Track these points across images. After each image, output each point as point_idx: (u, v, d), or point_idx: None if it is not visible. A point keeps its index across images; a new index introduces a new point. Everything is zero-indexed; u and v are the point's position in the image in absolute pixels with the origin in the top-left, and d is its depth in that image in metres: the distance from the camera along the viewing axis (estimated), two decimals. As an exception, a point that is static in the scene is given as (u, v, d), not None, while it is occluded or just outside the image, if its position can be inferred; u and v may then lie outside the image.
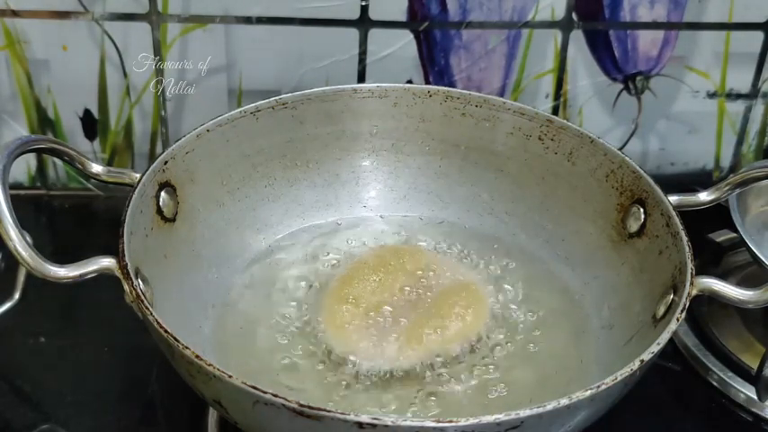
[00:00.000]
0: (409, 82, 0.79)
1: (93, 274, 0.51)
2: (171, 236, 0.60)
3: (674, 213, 0.58)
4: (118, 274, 0.51)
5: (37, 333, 0.67)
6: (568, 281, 0.65)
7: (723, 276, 0.59)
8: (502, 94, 0.80)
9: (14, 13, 0.74)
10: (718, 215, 0.66)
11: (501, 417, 0.43)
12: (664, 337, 0.49)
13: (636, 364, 0.47)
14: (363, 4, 0.75)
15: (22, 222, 0.50)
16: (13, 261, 0.50)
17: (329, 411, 0.43)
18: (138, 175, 0.58)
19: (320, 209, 0.70)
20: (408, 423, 0.43)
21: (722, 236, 0.73)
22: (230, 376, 0.45)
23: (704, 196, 0.60)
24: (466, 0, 0.75)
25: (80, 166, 0.58)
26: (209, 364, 0.46)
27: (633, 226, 0.62)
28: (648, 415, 0.63)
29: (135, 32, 0.75)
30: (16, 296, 0.65)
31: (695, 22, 0.79)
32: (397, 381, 0.57)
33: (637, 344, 0.56)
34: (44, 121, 0.79)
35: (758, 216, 0.71)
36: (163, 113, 0.79)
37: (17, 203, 0.50)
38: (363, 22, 0.76)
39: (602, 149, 0.64)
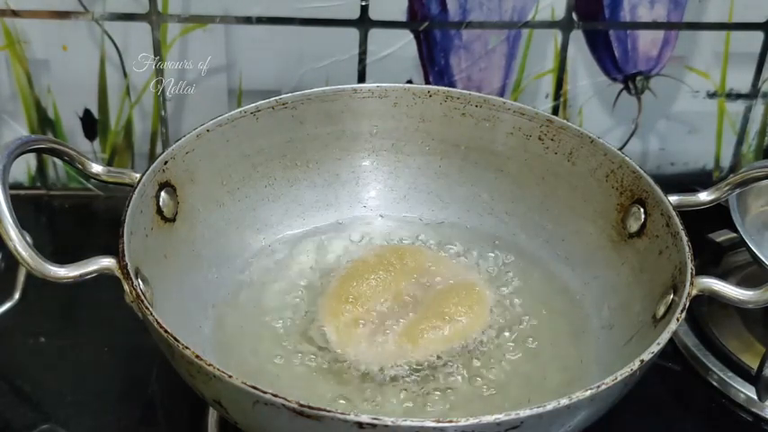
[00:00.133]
0: (409, 82, 0.79)
1: (93, 274, 0.51)
2: (171, 236, 0.60)
3: (674, 213, 0.58)
4: (118, 274, 0.51)
5: (37, 333, 0.67)
6: (568, 281, 0.65)
7: (723, 276, 0.59)
8: (502, 94, 0.80)
9: (14, 13, 0.74)
10: (718, 215, 0.66)
11: (501, 417, 0.43)
12: (664, 337, 0.49)
13: (636, 364, 0.47)
14: (363, 4, 0.75)
15: (22, 222, 0.50)
16: (13, 261, 0.50)
17: (329, 411, 0.43)
18: (138, 175, 0.58)
19: (320, 209, 0.70)
20: (408, 423, 0.43)
21: (722, 236, 0.73)
22: (230, 376, 0.45)
23: (704, 196, 0.60)
24: (466, 0, 0.76)
25: (80, 166, 0.58)
26: (209, 364, 0.46)
27: (633, 226, 0.62)
28: (648, 415, 0.63)
29: (135, 32, 0.75)
30: (16, 296, 0.65)
31: (695, 22, 0.79)
32: (397, 380, 0.57)
33: (637, 344, 0.56)
34: (44, 121, 0.79)
35: (758, 216, 0.71)
36: (163, 113, 0.79)
37: (17, 203, 0.50)
38: (363, 22, 0.76)
39: (602, 149, 0.64)
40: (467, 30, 0.77)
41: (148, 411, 0.62)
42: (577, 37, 0.79)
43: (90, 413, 0.61)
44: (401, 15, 0.76)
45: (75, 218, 0.81)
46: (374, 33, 0.76)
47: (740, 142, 0.86)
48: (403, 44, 0.77)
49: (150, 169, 0.59)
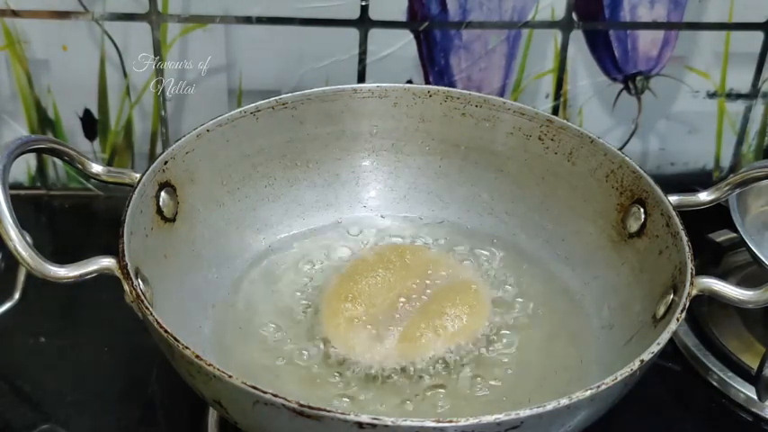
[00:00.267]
0: (409, 82, 0.79)
1: (93, 274, 0.51)
2: (171, 236, 0.60)
3: (674, 213, 0.58)
4: (118, 274, 0.51)
5: (37, 333, 0.67)
6: (568, 281, 0.65)
7: (723, 276, 0.59)
8: (502, 94, 0.80)
9: (14, 13, 0.74)
10: (718, 215, 0.66)
11: (501, 417, 0.43)
12: (664, 337, 0.49)
13: (636, 364, 0.47)
14: (363, 4, 0.75)
15: (22, 222, 0.50)
16: (13, 261, 0.50)
17: (329, 411, 0.43)
18: (138, 175, 0.58)
19: (320, 209, 0.70)
20: (408, 423, 0.43)
21: (722, 236, 0.73)
22: (230, 376, 0.45)
23: (704, 196, 0.60)
24: (466, 0, 0.76)
25: (80, 166, 0.58)
26: (209, 364, 0.46)
27: (633, 226, 0.62)
28: (648, 415, 0.63)
29: (135, 32, 0.75)
30: (16, 296, 0.65)
31: (695, 22, 0.79)
32: (397, 380, 0.57)
33: (637, 344, 0.56)
34: (44, 121, 0.79)
35: (758, 216, 0.71)
36: (163, 113, 0.79)
37: (17, 203, 0.50)
38: (363, 22, 0.76)
39: (602, 149, 0.64)
40: (467, 30, 0.77)
41: (148, 411, 0.62)
42: (577, 37, 0.79)
43: (90, 413, 0.61)
44: (401, 15, 0.76)
45: (75, 218, 0.81)
46: (374, 33, 0.76)
47: (740, 142, 0.86)
48: (403, 44, 0.77)
49: (150, 169, 0.59)
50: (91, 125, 0.80)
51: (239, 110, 0.65)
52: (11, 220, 0.49)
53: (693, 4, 0.78)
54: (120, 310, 0.52)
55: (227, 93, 0.79)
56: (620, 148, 0.69)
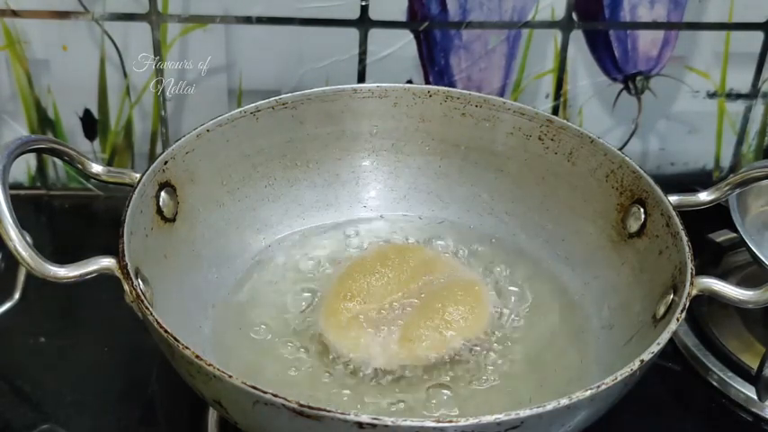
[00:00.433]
0: (409, 82, 0.79)
1: (93, 274, 0.51)
2: (171, 236, 0.60)
3: (674, 213, 0.58)
4: (118, 274, 0.51)
5: (37, 333, 0.67)
6: (568, 281, 0.65)
7: (723, 276, 0.59)
8: (502, 94, 0.80)
9: (14, 13, 0.74)
10: (719, 215, 0.66)
11: (501, 417, 0.43)
12: (664, 337, 0.49)
13: (636, 364, 0.47)
14: (363, 4, 0.75)
15: (22, 222, 0.50)
16: (13, 261, 0.50)
17: (329, 411, 0.43)
18: (138, 175, 0.58)
19: (320, 209, 0.70)
20: (408, 423, 0.43)
21: (722, 236, 0.73)
22: (230, 376, 0.45)
23: (704, 196, 0.60)
24: (466, 0, 0.76)
25: (80, 166, 0.58)
26: (209, 364, 0.46)
27: (633, 226, 0.62)
28: (648, 415, 0.63)
29: (135, 32, 0.75)
30: (16, 296, 0.65)
31: (695, 22, 0.79)
32: (397, 380, 0.57)
33: (637, 344, 0.56)
34: (44, 121, 0.79)
35: (758, 216, 0.71)
36: (163, 113, 0.79)
37: (17, 203, 0.50)
38: (363, 22, 0.76)
39: (602, 149, 0.64)
40: (467, 30, 0.77)
41: (148, 411, 0.62)
42: (577, 37, 0.79)
43: (90, 413, 0.61)
44: (401, 15, 0.76)
45: (75, 218, 0.81)
46: (374, 33, 0.76)
47: (740, 142, 0.86)
48: (403, 44, 0.77)
49: (150, 169, 0.59)
50: (91, 125, 0.80)
51: (239, 110, 0.65)
52: (11, 220, 0.49)
53: (693, 4, 0.78)
54: (120, 310, 0.52)
55: (227, 93, 0.79)
56: (621, 148, 0.69)
